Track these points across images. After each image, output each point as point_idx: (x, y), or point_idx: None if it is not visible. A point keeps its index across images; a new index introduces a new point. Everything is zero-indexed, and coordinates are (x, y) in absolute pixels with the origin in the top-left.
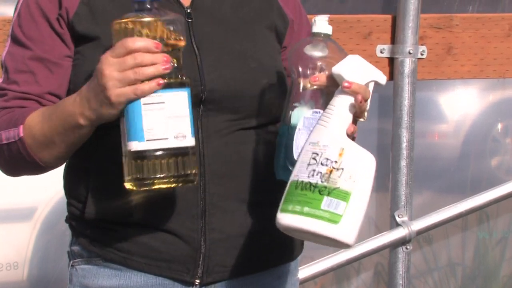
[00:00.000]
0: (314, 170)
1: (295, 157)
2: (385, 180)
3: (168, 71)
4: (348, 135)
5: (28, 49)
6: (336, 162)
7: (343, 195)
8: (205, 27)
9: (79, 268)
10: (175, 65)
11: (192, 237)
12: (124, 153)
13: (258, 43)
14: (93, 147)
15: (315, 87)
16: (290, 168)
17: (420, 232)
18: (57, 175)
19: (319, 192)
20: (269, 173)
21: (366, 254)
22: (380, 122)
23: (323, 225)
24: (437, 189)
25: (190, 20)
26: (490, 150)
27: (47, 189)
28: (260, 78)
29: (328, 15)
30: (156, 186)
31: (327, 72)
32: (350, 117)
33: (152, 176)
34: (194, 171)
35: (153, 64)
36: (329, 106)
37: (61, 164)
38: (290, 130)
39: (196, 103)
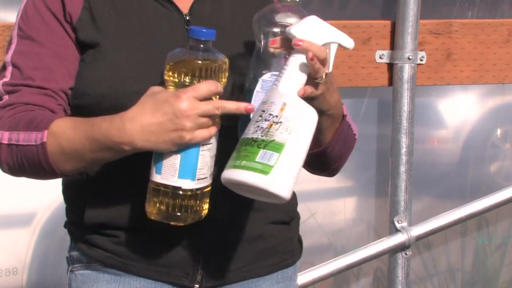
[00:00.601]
0: (258, 126)
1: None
2: (384, 186)
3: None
4: (303, 96)
5: (43, 47)
6: (276, 116)
7: (277, 147)
8: None
9: (78, 273)
10: None
11: (191, 242)
12: (161, 184)
13: None
14: None
15: (277, 51)
16: None
17: (419, 238)
18: (56, 180)
19: (257, 145)
20: None
21: (366, 259)
22: (379, 128)
23: (254, 176)
24: (436, 195)
25: (188, 28)
26: (490, 156)
27: (47, 194)
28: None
29: None
30: (175, 223)
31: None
32: (302, 76)
33: (182, 213)
34: (206, 206)
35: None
36: (283, 66)
37: (77, 173)
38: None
39: None
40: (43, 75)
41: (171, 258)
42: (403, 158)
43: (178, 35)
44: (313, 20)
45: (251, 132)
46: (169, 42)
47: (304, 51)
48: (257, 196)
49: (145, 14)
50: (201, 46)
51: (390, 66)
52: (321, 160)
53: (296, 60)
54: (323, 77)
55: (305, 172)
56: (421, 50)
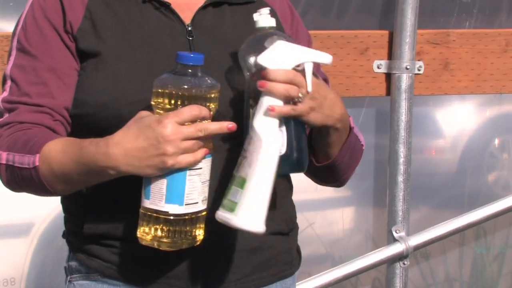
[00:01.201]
0: (239, 163)
1: None
2: (382, 196)
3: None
4: (276, 114)
5: (39, 61)
6: (245, 150)
7: (241, 183)
8: (206, 46)
9: (77, 283)
10: None
11: (191, 253)
12: (150, 209)
13: None
14: None
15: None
16: None
17: (417, 248)
18: None
19: (231, 182)
20: None
21: (364, 269)
22: (377, 138)
23: (224, 214)
24: (434, 205)
25: (191, 38)
26: (487, 166)
27: (45, 204)
28: None
29: (269, 8)
30: (168, 249)
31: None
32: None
33: (173, 239)
34: (202, 233)
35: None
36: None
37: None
38: None
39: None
40: (38, 90)
41: (170, 269)
42: (401, 168)
43: (180, 46)
44: (281, 45)
45: (235, 168)
46: (171, 53)
47: (270, 91)
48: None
49: (147, 24)
50: (189, 71)
51: (388, 76)
52: (330, 172)
53: (265, 93)
54: (300, 97)
55: (303, 181)
56: (418, 60)
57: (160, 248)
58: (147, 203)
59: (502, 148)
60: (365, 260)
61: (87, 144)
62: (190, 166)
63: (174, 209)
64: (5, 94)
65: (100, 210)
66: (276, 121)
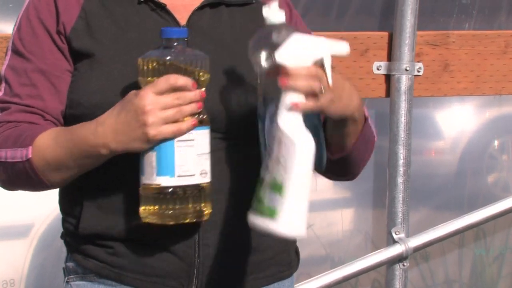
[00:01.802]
0: (266, 165)
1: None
2: (382, 197)
3: (201, 109)
4: (299, 109)
5: (30, 62)
6: (275, 155)
7: (278, 187)
8: (202, 46)
9: (74, 284)
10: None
11: (186, 253)
12: (145, 185)
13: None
14: None
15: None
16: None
17: (417, 249)
18: (54, 191)
19: (265, 186)
20: None
21: (363, 271)
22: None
23: (264, 221)
24: (434, 206)
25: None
26: (487, 167)
27: (44, 205)
28: (253, 100)
29: (277, 1)
30: (172, 222)
31: None
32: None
33: (174, 211)
34: (208, 207)
35: (191, 102)
36: (280, 99)
37: (66, 183)
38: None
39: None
40: (29, 92)
41: (166, 269)
42: (401, 169)
43: None
44: (297, 40)
45: (263, 170)
46: None
47: (293, 89)
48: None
49: (143, 25)
50: (174, 44)
51: (388, 78)
52: (344, 165)
53: (287, 91)
54: (322, 91)
55: None
56: (418, 62)
57: (166, 223)
58: (142, 180)
59: (502, 150)
60: (364, 262)
61: (77, 127)
62: (176, 136)
63: (165, 181)
64: (1, 93)
65: (95, 210)
66: (301, 119)
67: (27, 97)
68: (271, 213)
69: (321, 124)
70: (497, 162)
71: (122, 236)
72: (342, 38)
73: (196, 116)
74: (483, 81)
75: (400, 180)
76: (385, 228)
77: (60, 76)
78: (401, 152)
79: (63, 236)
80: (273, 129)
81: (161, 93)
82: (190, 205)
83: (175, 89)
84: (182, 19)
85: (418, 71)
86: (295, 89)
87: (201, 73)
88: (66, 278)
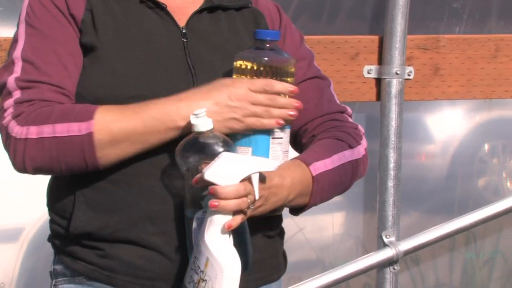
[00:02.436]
0: (191, 276)
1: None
2: (372, 201)
3: (293, 118)
4: (230, 229)
5: (59, 43)
6: (202, 272)
7: None
8: (200, 48)
9: (61, 287)
10: None
11: (177, 255)
12: None
13: None
14: None
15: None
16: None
17: (407, 253)
18: (44, 195)
19: None
20: None
21: (354, 274)
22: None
23: None
24: (424, 210)
25: (185, 40)
26: (477, 171)
27: (34, 209)
28: None
29: (205, 109)
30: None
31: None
32: (225, 220)
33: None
34: None
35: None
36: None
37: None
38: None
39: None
40: (58, 71)
41: (156, 271)
42: (391, 173)
43: (175, 47)
44: (226, 159)
45: (187, 280)
46: (167, 53)
47: (222, 210)
48: None
49: (144, 24)
50: (267, 45)
51: (378, 81)
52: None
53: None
54: (251, 206)
55: None
56: (408, 65)
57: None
58: None
59: (492, 153)
60: (355, 265)
61: (150, 101)
62: (273, 135)
63: None
64: (17, 74)
65: (87, 210)
66: (228, 236)
67: (58, 77)
68: None
69: (246, 225)
70: (488, 166)
71: (113, 237)
72: (332, 42)
73: None
74: (473, 85)
75: (390, 183)
76: (376, 232)
77: (81, 63)
78: (392, 155)
79: (50, 238)
80: (201, 243)
81: (256, 91)
82: None
83: (275, 93)
84: (181, 21)
85: (409, 75)
86: (225, 210)
87: (290, 79)
88: (53, 281)
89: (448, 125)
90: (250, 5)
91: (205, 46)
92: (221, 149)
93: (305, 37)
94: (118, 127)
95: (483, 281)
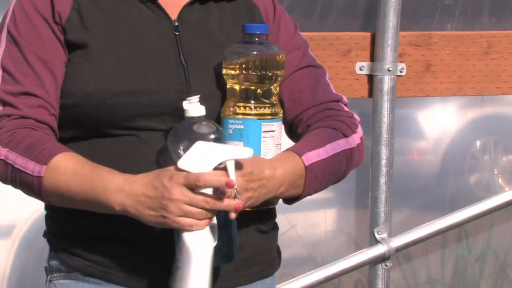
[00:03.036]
0: (173, 270)
1: None
2: (364, 197)
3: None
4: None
5: (30, 52)
6: (177, 260)
7: None
8: (192, 41)
9: (57, 283)
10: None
11: (172, 252)
12: None
13: None
14: None
15: None
16: None
17: (399, 249)
18: None
19: None
20: None
21: (346, 271)
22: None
23: None
24: (416, 206)
25: (177, 33)
26: (469, 167)
27: (26, 206)
28: None
29: (198, 96)
30: None
31: None
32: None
33: None
34: None
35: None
36: None
37: None
38: None
39: (181, 115)
40: (32, 81)
41: (151, 267)
42: (383, 169)
43: (166, 41)
44: (200, 147)
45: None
46: (158, 47)
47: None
48: None
49: (134, 19)
50: (256, 39)
51: (370, 78)
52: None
53: None
54: (235, 193)
55: None
56: (400, 62)
57: None
58: None
59: (484, 150)
60: (347, 262)
61: (102, 172)
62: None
63: None
64: None
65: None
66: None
67: (32, 86)
68: None
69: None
70: (479, 162)
71: (109, 234)
72: (324, 38)
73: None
74: (465, 81)
75: (382, 180)
76: (368, 228)
77: (59, 66)
78: (384, 152)
79: (45, 234)
80: (177, 231)
81: (192, 187)
82: None
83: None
84: (172, 14)
85: (401, 72)
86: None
87: (279, 72)
88: (48, 277)
89: (440, 121)
90: None
91: (198, 38)
92: (212, 136)
93: (298, 27)
94: (64, 183)
95: (474, 278)
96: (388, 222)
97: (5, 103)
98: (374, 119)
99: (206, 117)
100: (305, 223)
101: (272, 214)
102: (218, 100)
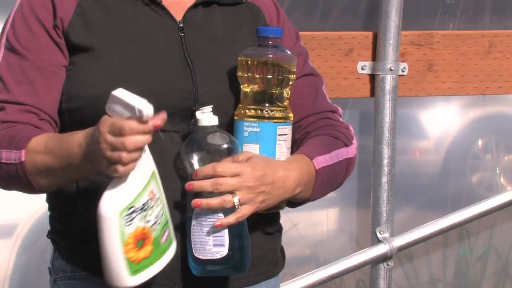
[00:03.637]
0: None
1: (194, 254)
2: (366, 197)
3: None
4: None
5: (26, 59)
6: None
7: None
8: (197, 42)
9: (62, 283)
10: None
11: (178, 251)
12: None
13: None
14: None
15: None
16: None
17: (401, 249)
18: None
19: None
20: None
21: (348, 270)
22: (361, 139)
23: None
24: (418, 206)
25: (182, 34)
26: (471, 167)
27: (28, 205)
28: None
29: (211, 106)
30: None
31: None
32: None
33: None
34: None
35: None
36: None
37: (59, 189)
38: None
39: (188, 115)
40: (24, 89)
41: None
42: (385, 169)
43: (172, 42)
44: (117, 95)
45: None
46: (163, 48)
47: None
48: None
49: (139, 21)
50: (270, 42)
51: (372, 77)
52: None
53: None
54: (234, 204)
55: None
56: (402, 61)
57: None
58: None
59: (486, 149)
60: (349, 261)
61: (68, 136)
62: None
63: None
64: None
65: (89, 207)
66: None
67: (23, 95)
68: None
69: (245, 223)
70: (481, 162)
71: None
72: (326, 38)
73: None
74: (467, 81)
75: (384, 179)
76: (370, 228)
77: (57, 72)
78: (386, 151)
79: (49, 234)
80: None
81: (115, 135)
82: None
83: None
84: (177, 15)
85: (403, 71)
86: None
87: (292, 76)
88: (53, 277)
89: (442, 121)
90: (244, 0)
91: (203, 39)
92: (225, 146)
93: (300, 33)
94: (40, 160)
95: (476, 277)
96: (390, 222)
97: None
98: (376, 119)
99: (214, 113)
100: (307, 223)
101: (277, 215)
102: (225, 100)
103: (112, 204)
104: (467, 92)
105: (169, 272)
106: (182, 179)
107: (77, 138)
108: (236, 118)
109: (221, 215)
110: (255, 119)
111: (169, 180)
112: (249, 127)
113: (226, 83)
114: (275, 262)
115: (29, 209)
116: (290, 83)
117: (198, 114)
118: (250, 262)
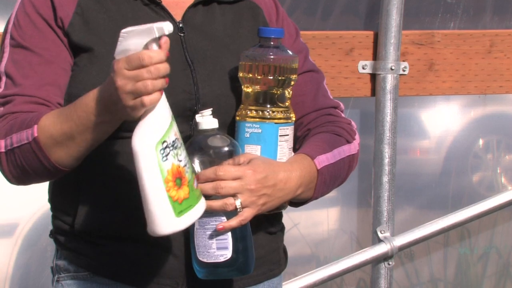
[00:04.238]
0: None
1: (198, 257)
2: (367, 196)
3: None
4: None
5: (35, 54)
6: None
7: None
8: (197, 42)
9: (65, 283)
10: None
11: (181, 252)
12: None
13: None
14: (84, 159)
15: None
16: (197, 267)
17: (402, 248)
18: (39, 191)
19: None
20: None
21: (349, 270)
22: (361, 138)
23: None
24: (419, 205)
25: (182, 34)
26: (472, 166)
27: (29, 205)
28: None
29: (211, 109)
30: None
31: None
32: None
33: None
34: None
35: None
36: None
37: (75, 165)
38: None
39: (190, 115)
40: (34, 82)
41: (160, 267)
42: (386, 168)
43: (172, 42)
44: (125, 33)
45: None
46: None
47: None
48: None
49: (139, 21)
50: (271, 43)
51: (373, 77)
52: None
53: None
54: (236, 207)
55: None
56: (403, 61)
57: None
58: None
59: (486, 149)
60: (350, 261)
61: (82, 98)
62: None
63: None
64: (1, 89)
65: (91, 206)
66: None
67: (32, 88)
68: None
69: (248, 225)
70: (482, 161)
71: (118, 234)
72: (327, 37)
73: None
74: (468, 80)
75: (385, 179)
76: (371, 227)
77: (65, 69)
78: (387, 151)
79: (52, 234)
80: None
81: (134, 69)
82: None
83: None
84: (176, 15)
85: (404, 70)
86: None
87: (294, 76)
88: (55, 277)
89: (442, 120)
90: None
91: (203, 39)
92: (226, 149)
93: (301, 32)
94: (55, 129)
95: (477, 277)
96: (390, 221)
97: (3, 106)
98: (376, 118)
99: (215, 115)
100: (307, 222)
101: (280, 215)
102: (226, 100)
103: (147, 138)
104: (468, 92)
105: (172, 272)
106: None
107: (91, 94)
108: (237, 119)
109: (223, 218)
110: (257, 120)
111: None
112: (250, 128)
113: (227, 83)
114: (278, 261)
115: (30, 208)
116: (292, 83)
117: (198, 117)
118: (254, 263)
